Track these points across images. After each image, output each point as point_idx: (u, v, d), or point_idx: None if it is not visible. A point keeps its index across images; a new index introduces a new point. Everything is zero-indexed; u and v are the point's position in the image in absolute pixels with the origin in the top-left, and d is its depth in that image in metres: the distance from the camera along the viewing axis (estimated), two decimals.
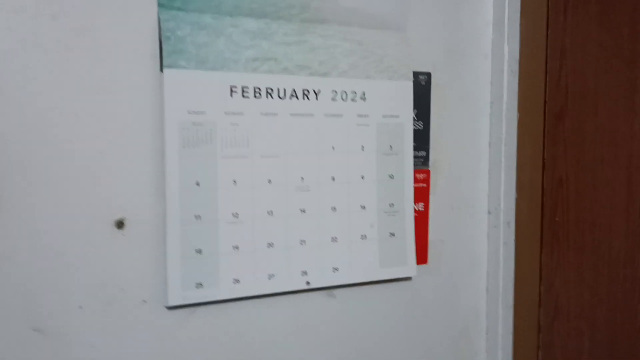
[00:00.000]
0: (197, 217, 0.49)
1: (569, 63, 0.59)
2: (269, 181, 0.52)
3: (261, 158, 0.51)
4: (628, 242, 0.55)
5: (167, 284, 0.48)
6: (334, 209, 0.55)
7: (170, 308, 0.49)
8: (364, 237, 0.56)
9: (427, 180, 0.61)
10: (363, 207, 0.56)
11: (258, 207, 0.51)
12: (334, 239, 0.55)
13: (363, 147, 0.56)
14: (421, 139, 0.60)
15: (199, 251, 0.49)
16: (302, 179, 0.53)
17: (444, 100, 0.62)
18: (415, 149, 0.60)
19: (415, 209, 0.60)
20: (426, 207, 0.61)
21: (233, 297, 0.51)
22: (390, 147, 0.57)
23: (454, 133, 0.63)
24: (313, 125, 0.53)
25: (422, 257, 0.61)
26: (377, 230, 0.57)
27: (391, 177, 0.58)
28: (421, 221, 0.61)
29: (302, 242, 0.54)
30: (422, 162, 0.60)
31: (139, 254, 0.48)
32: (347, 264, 0.56)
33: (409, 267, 0.59)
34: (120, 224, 0.47)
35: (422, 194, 0.61)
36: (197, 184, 0.48)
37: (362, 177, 0.56)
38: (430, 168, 0.61)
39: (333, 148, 0.54)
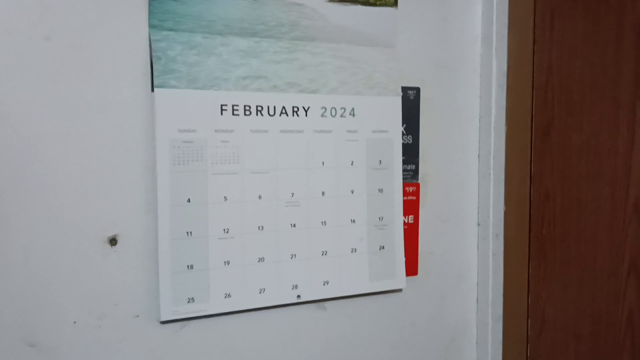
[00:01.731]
0: (189, 233, 0.50)
1: (555, 78, 0.60)
2: (259, 197, 0.53)
3: (251, 174, 0.52)
4: (612, 257, 0.56)
5: (160, 299, 0.49)
6: (324, 223, 0.56)
7: (163, 322, 0.51)
8: (354, 250, 0.58)
9: (416, 193, 0.62)
10: (353, 221, 0.57)
11: (248, 223, 0.52)
12: (324, 253, 0.56)
13: (352, 162, 0.57)
14: (410, 153, 0.61)
15: (191, 267, 0.50)
16: (292, 194, 0.55)
17: (433, 114, 0.63)
18: (405, 162, 0.61)
19: (405, 222, 0.61)
20: (416, 219, 0.62)
21: (224, 312, 0.52)
22: (380, 161, 0.58)
23: (443, 146, 0.64)
24: (303, 141, 0.55)
25: (412, 268, 0.63)
26: (366, 244, 0.58)
27: (380, 191, 0.59)
28: (411, 233, 0.62)
29: (293, 256, 0.55)
30: (411, 175, 0.62)
31: (131, 270, 0.50)
32: (337, 277, 0.57)
33: (399, 279, 0.60)
34: (113, 241, 0.49)
35: (411, 206, 0.62)
36: (188, 201, 0.50)
37: (352, 192, 0.57)
38: (420, 181, 0.63)
39: (323, 163, 0.56)
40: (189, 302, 0.50)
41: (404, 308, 0.64)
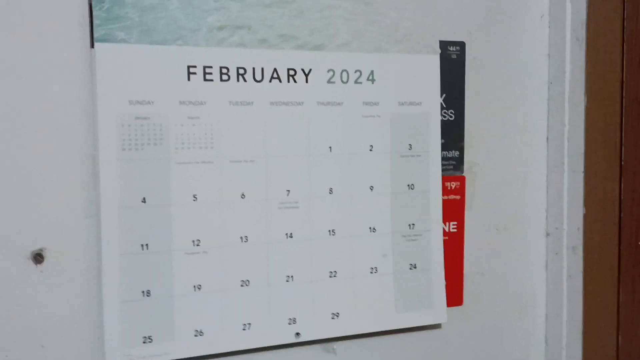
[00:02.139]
0: (144, 246, 0.49)
1: None
2: (242, 196, 0.52)
3: (231, 164, 0.52)
4: None
5: (104, 339, 0.48)
6: (332, 232, 0.55)
7: None
8: (374, 270, 0.57)
9: (461, 191, 0.61)
10: (373, 230, 0.57)
11: (228, 232, 0.52)
12: (333, 274, 0.55)
13: (371, 146, 0.56)
14: (452, 135, 0.60)
15: (147, 293, 0.49)
16: (288, 192, 0.54)
17: (483, 80, 0.62)
18: (445, 148, 0.59)
19: (444, 231, 0.60)
20: (460, 227, 0.61)
21: (195, 355, 0.51)
22: (410, 146, 0.57)
23: (497, 126, 0.63)
24: (302, 118, 0.54)
25: (455, 296, 0.61)
26: (392, 261, 0.57)
27: (411, 187, 0.58)
28: (453, 247, 0.61)
29: (289, 278, 0.54)
30: (454, 166, 0.60)
31: (64, 297, 0.49)
32: (351, 308, 0.56)
33: (437, 310, 0.59)
34: (38, 257, 0.48)
35: (454, 209, 0.61)
36: (143, 201, 0.49)
37: (371, 189, 0.57)
38: (466, 174, 0.61)
39: (330, 149, 0.55)
40: (145, 342, 0.49)
41: (443, 350, 0.62)
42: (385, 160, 0.57)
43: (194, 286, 0.51)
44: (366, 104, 0.56)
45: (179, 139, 0.50)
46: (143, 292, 0.49)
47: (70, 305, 0.49)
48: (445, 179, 0.60)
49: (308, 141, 0.54)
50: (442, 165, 0.59)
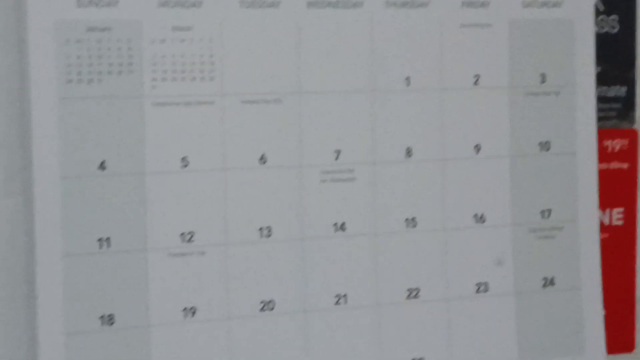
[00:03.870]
0: (103, 242, 0.51)
1: None
2: (262, 159, 0.54)
3: (243, 105, 0.54)
4: None
5: None
6: (411, 222, 0.57)
7: None
8: (481, 288, 0.59)
9: (630, 156, 0.63)
10: (480, 219, 0.59)
11: (238, 219, 0.54)
12: (413, 294, 0.58)
13: (477, 77, 0.58)
14: (616, 59, 0.62)
15: (109, 318, 0.51)
16: (338, 153, 0.56)
17: None
18: (602, 81, 0.61)
19: (602, 223, 0.62)
20: (630, 217, 0.63)
21: None
22: (542, 77, 0.59)
23: None
24: (362, 29, 0.56)
25: (621, 335, 0.63)
26: (512, 273, 0.59)
27: (544, 147, 0.60)
28: (619, 251, 0.63)
29: (340, 299, 0.56)
30: (617, 112, 0.62)
31: None
32: (443, 352, 0.58)
33: (591, 357, 0.61)
34: None
35: (619, 187, 0.63)
36: (102, 167, 0.51)
37: (477, 149, 0.59)
38: (638, 126, 0.64)
39: (408, 81, 0.57)
40: None
41: None
42: (500, 100, 0.59)
43: (185, 309, 0.53)
44: (467, 4, 0.57)
45: (158, 64, 0.51)
46: (102, 317, 0.51)
47: None
48: (603, 134, 0.61)
49: (370, 67, 0.56)
50: (599, 110, 0.61)
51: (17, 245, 0.51)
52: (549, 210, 0.60)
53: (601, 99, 0.61)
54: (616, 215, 0.63)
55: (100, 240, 0.51)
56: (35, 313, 0.50)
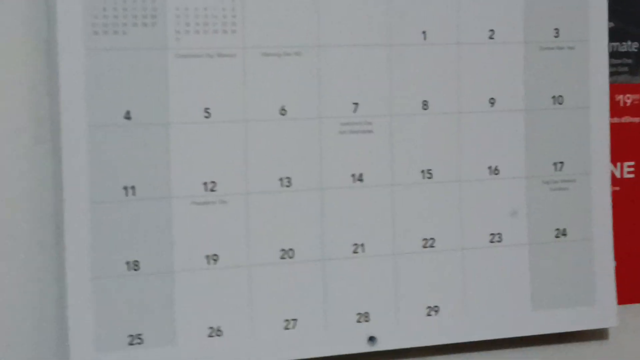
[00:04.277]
0: (128, 190, 0.52)
1: None
2: (282, 111, 0.55)
3: (264, 58, 0.54)
4: None
5: (67, 338, 0.51)
6: (427, 174, 0.58)
7: None
8: (495, 238, 0.60)
9: None
10: (494, 171, 0.60)
11: (258, 169, 0.55)
12: (429, 243, 0.58)
13: (492, 32, 0.59)
14: (629, 15, 0.62)
15: (134, 265, 0.52)
16: (356, 105, 0.56)
17: None
18: (615, 36, 0.61)
19: (614, 176, 0.62)
20: None
21: None
22: (556, 31, 0.60)
23: None
24: None
25: (632, 287, 0.63)
26: (526, 224, 0.60)
27: (558, 101, 0.60)
28: (630, 203, 0.63)
29: (358, 248, 0.57)
30: (629, 67, 0.62)
31: (2, 270, 0.52)
32: (458, 301, 0.59)
33: (602, 309, 0.62)
34: None
35: (630, 141, 0.63)
36: (127, 117, 0.52)
37: (491, 102, 0.59)
38: None
39: (424, 35, 0.57)
40: (131, 343, 0.52)
41: None
42: (514, 54, 0.59)
43: (207, 256, 0.54)
44: None
45: (181, 16, 0.52)
46: (128, 263, 0.52)
47: (13, 283, 0.52)
48: (615, 88, 0.62)
49: (388, 22, 0.56)
50: (611, 66, 0.61)
51: (45, 192, 0.52)
52: (562, 163, 0.60)
53: (613, 55, 0.62)
54: (627, 169, 0.63)
55: (125, 188, 0.52)
56: (64, 258, 0.51)
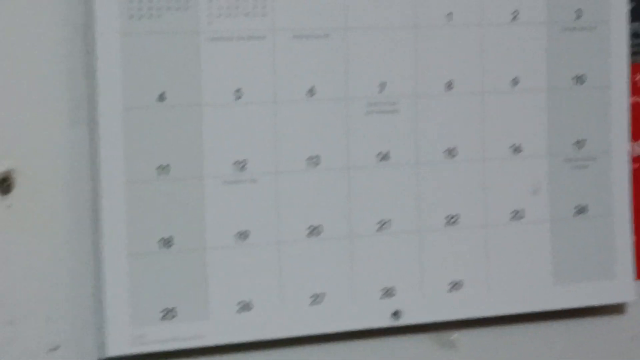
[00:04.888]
0: (162, 169, 0.53)
1: None
2: (311, 92, 0.56)
3: (294, 40, 0.55)
4: None
5: (103, 312, 0.52)
6: (451, 152, 0.59)
7: None
8: (517, 214, 0.61)
9: None
10: (516, 150, 0.61)
11: (287, 150, 0.56)
12: (452, 220, 0.60)
13: (516, 12, 0.60)
14: None
15: (167, 242, 0.53)
16: (383, 85, 0.57)
17: None
18: (635, 16, 0.63)
19: (634, 154, 0.64)
20: None
21: (238, 342, 0.56)
22: (579, 12, 0.61)
23: None
24: None
25: None
26: (547, 201, 0.62)
27: (579, 80, 0.61)
28: None
29: (384, 224, 0.58)
30: None
31: (40, 247, 0.53)
32: (481, 275, 0.60)
33: (621, 283, 0.63)
34: (3, 185, 0.52)
35: None
36: (161, 99, 0.53)
37: (514, 82, 0.60)
38: None
39: (449, 16, 0.58)
40: (164, 317, 0.53)
41: (628, 346, 0.66)
42: (537, 35, 0.60)
43: (238, 233, 0.55)
44: None
45: (213, 1, 0.53)
46: (162, 240, 0.53)
47: (52, 259, 0.53)
48: (635, 68, 0.62)
49: (413, 3, 0.57)
50: (631, 46, 0.62)
51: (83, 172, 0.53)
52: (583, 141, 0.61)
53: (634, 35, 0.62)
54: None
55: (159, 167, 0.53)
56: (101, 236, 0.52)
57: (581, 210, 0.62)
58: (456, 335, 0.62)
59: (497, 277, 0.61)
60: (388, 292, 0.58)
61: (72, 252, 0.54)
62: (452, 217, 0.59)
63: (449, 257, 0.60)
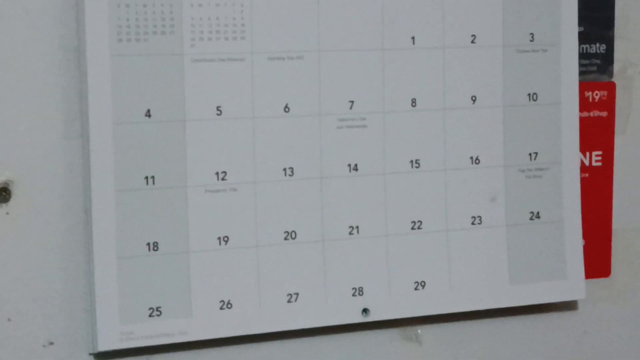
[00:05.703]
0: (149, 179, 0.55)
1: None
2: (286, 108, 0.58)
3: (270, 62, 0.57)
4: None
5: (94, 310, 0.54)
6: (416, 163, 0.61)
7: (99, 357, 0.56)
8: (476, 220, 0.63)
9: (608, 105, 0.65)
10: (475, 161, 0.63)
11: (265, 161, 0.58)
12: (417, 225, 0.62)
13: (474, 37, 0.62)
14: (597, 19, 0.64)
15: (154, 246, 0.55)
16: (352, 103, 0.60)
17: None
18: (584, 39, 0.64)
19: (583, 164, 0.66)
20: (608, 160, 0.66)
21: (219, 337, 0.57)
22: (532, 36, 0.63)
23: None
24: None
25: (598, 263, 0.67)
26: (504, 208, 0.64)
27: (533, 98, 0.64)
28: (597, 189, 0.66)
29: (353, 230, 0.60)
30: (597, 67, 0.65)
31: (36, 251, 0.55)
32: (443, 276, 0.63)
33: (572, 283, 0.65)
34: (2, 194, 0.53)
35: (598, 132, 0.65)
36: (147, 115, 0.55)
37: (473, 100, 0.63)
38: (616, 79, 0.66)
39: (413, 40, 0.60)
40: (151, 315, 0.55)
41: (579, 341, 0.68)
42: (494, 56, 0.62)
43: (219, 238, 0.57)
44: None
45: (196, 25, 0.55)
46: (148, 244, 0.55)
47: (47, 262, 0.55)
48: (584, 86, 0.64)
49: (381, 28, 0.59)
50: (581, 65, 0.64)
51: (75, 182, 0.55)
52: (536, 153, 0.64)
53: (583, 55, 0.64)
54: (595, 158, 0.66)
55: (146, 177, 0.54)
56: (92, 240, 0.54)
57: (535, 216, 0.64)
58: (420, 331, 0.64)
59: (458, 277, 0.63)
60: (358, 291, 0.60)
61: (65, 255, 0.55)
62: (417, 223, 0.61)
63: (413, 259, 0.61)
